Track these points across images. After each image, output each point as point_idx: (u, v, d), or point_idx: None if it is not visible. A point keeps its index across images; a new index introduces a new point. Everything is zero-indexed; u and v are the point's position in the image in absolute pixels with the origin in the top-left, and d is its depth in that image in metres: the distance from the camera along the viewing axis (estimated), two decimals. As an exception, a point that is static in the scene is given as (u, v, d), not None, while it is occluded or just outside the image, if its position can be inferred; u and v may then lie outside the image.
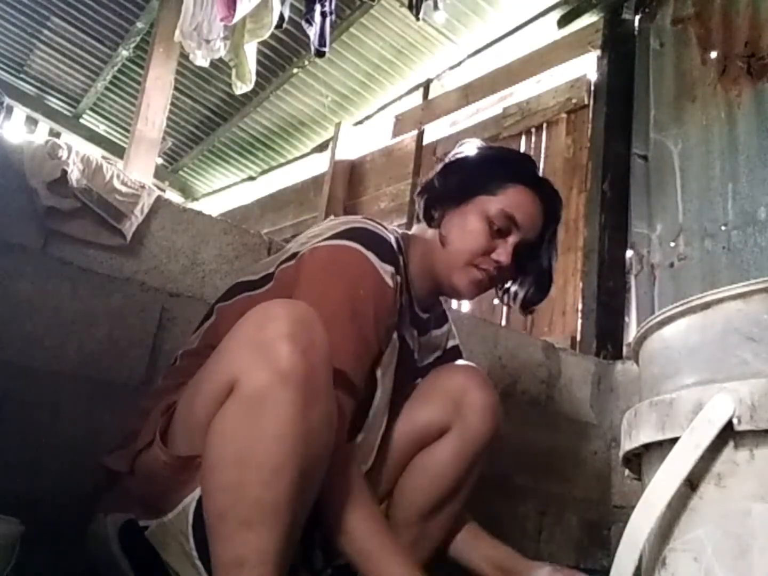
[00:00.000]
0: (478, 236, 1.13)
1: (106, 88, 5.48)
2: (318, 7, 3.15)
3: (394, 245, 1.09)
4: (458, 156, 1.23)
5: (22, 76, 5.63)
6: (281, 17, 3.17)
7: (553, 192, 1.23)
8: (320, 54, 3.29)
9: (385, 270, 1.03)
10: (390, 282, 1.04)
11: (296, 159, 5.44)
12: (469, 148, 1.24)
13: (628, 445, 0.68)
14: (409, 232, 1.23)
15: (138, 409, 1.06)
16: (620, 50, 2.79)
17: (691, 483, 0.58)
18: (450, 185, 1.18)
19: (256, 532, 0.79)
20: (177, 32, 3.06)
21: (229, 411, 0.80)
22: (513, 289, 1.25)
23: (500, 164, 1.21)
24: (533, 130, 3.22)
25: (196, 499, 0.86)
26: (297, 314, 0.82)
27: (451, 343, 1.35)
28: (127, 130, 4.49)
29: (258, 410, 0.78)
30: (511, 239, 1.14)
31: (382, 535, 0.93)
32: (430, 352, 1.30)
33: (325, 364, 0.83)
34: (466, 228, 1.14)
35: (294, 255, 1.05)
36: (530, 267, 1.21)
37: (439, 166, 1.22)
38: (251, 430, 0.78)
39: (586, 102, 2.91)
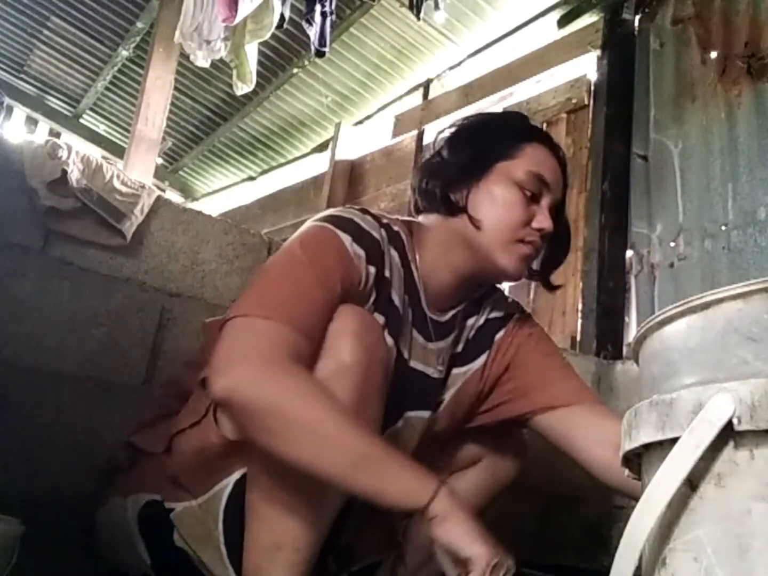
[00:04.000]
0: (514, 207, 1.02)
1: (106, 88, 5.48)
2: (318, 7, 3.15)
3: (376, 235, 0.99)
4: (458, 128, 1.10)
5: (22, 76, 5.63)
6: (281, 17, 3.17)
7: (559, 147, 1.12)
8: (320, 54, 3.29)
9: (356, 252, 0.95)
10: (356, 261, 0.95)
11: (296, 159, 5.44)
12: (461, 123, 1.12)
13: (628, 445, 0.68)
14: (420, 222, 1.11)
15: (170, 389, 1.09)
16: (620, 50, 2.79)
17: (691, 483, 0.58)
18: (463, 161, 1.05)
19: (297, 519, 0.83)
20: (177, 33, 3.06)
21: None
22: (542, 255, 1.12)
23: (505, 125, 1.11)
24: (533, 130, 3.21)
25: (233, 483, 0.90)
26: (362, 316, 0.89)
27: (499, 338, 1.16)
28: (127, 130, 4.49)
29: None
30: (545, 201, 1.04)
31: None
32: (463, 361, 1.14)
33: (382, 364, 0.89)
34: (498, 202, 1.02)
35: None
36: (559, 227, 1.09)
37: (442, 145, 1.10)
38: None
39: (586, 102, 2.90)
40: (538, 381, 1.14)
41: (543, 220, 1.02)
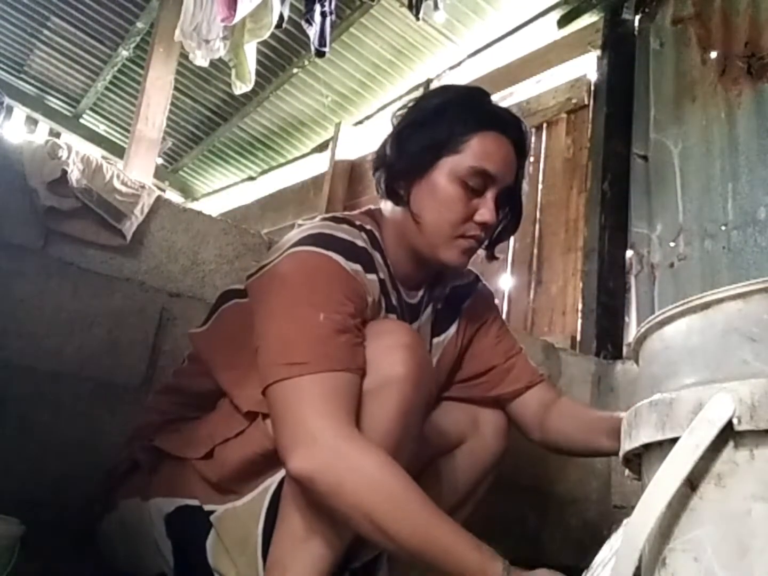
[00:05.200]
0: (453, 204, 1.01)
1: (106, 88, 5.49)
2: (318, 7, 3.15)
3: (361, 243, 1.00)
4: (406, 120, 1.08)
5: (22, 76, 5.64)
6: (281, 17, 3.17)
7: (516, 121, 1.09)
8: (321, 54, 3.29)
9: (353, 269, 0.95)
10: (358, 278, 0.95)
11: (296, 159, 5.44)
12: (414, 107, 1.10)
13: (628, 445, 0.68)
14: (382, 209, 1.11)
15: (176, 397, 1.09)
16: (620, 50, 2.79)
17: (691, 483, 0.58)
18: (407, 155, 1.04)
19: (329, 516, 0.84)
20: (177, 32, 3.06)
21: None
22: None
23: (454, 114, 1.04)
24: (533, 130, 3.21)
25: (278, 481, 0.91)
26: (412, 331, 0.92)
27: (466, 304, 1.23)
28: (127, 130, 4.49)
29: (369, 405, 0.86)
30: (490, 194, 1.02)
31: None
32: (438, 331, 1.19)
33: (430, 379, 0.92)
34: (438, 198, 1.02)
35: (261, 268, 1.01)
36: (509, 208, 1.11)
37: (389, 135, 1.09)
38: (359, 422, 0.85)
39: (586, 102, 2.90)
40: (502, 367, 1.23)
41: (485, 213, 1.02)
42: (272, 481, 0.91)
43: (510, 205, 1.11)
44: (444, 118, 1.04)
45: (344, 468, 0.80)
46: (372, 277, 0.99)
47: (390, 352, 0.87)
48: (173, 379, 1.14)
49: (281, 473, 0.90)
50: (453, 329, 1.21)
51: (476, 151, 1.01)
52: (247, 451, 0.91)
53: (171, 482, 0.99)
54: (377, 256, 1.04)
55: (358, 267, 0.96)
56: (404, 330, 0.92)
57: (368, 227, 1.06)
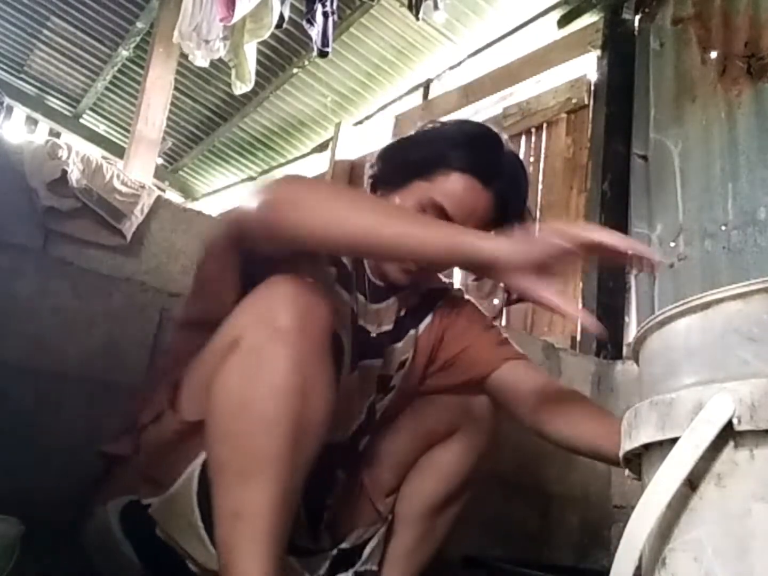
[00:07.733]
0: None
1: (106, 88, 5.49)
2: (319, 7, 3.16)
3: None
4: (401, 137, 1.17)
5: (22, 76, 5.64)
6: (281, 17, 3.17)
7: (514, 183, 1.12)
8: (323, 54, 3.29)
9: None
10: None
11: (296, 159, 5.44)
12: (418, 130, 1.17)
13: (628, 445, 0.68)
14: None
15: (137, 397, 1.10)
16: (620, 50, 2.79)
17: (691, 483, 0.58)
18: (388, 169, 1.13)
19: (251, 484, 0.81)
20: (176, 33, 3.07)
21: (228, 364, 0.83)
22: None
23: (441, 147, 1.10)
24: (533, 130, 3.22)
25: (201, 464, 0.89)
26: (299, 281, 0.88)
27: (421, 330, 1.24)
28: (127, 130, 4.49)
29: (255, 364, 0.82)
30: None
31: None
32: (412, 324, 1.24)
33: (322, 325, 0.87)
34: None
35: None
36: None
37: (383, 147, 1.17)
38: (249, 383, 0.82)
39: (586, 102, 2.91)
40: (482, 345, 1.23)
41: None
42: (194, 466, 0.90)
43: None
44: (432, 148, 1.10)
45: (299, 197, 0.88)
46: None
47: (275, 304, 0.85)
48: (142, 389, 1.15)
49: (201, 457, 0.89)
50: (427, 321, 1.24)
51: (443, 186, 1.06)
52: (162, 434, 0.92)
53: (118, 482, 0.99)
54: None
55: None
56: (293, 281, 0.89)
57: None
